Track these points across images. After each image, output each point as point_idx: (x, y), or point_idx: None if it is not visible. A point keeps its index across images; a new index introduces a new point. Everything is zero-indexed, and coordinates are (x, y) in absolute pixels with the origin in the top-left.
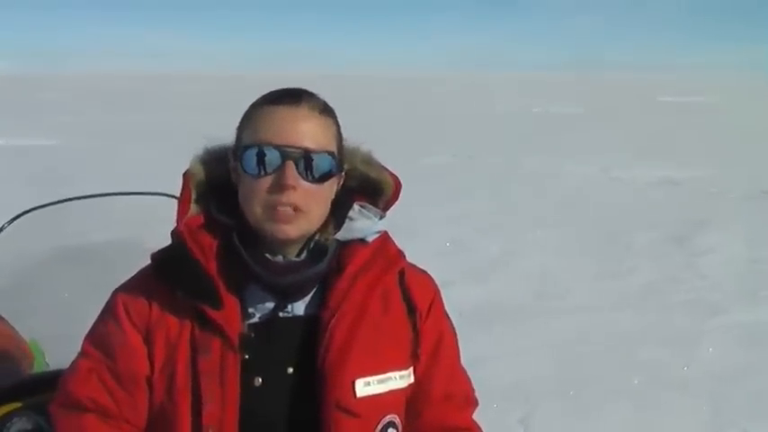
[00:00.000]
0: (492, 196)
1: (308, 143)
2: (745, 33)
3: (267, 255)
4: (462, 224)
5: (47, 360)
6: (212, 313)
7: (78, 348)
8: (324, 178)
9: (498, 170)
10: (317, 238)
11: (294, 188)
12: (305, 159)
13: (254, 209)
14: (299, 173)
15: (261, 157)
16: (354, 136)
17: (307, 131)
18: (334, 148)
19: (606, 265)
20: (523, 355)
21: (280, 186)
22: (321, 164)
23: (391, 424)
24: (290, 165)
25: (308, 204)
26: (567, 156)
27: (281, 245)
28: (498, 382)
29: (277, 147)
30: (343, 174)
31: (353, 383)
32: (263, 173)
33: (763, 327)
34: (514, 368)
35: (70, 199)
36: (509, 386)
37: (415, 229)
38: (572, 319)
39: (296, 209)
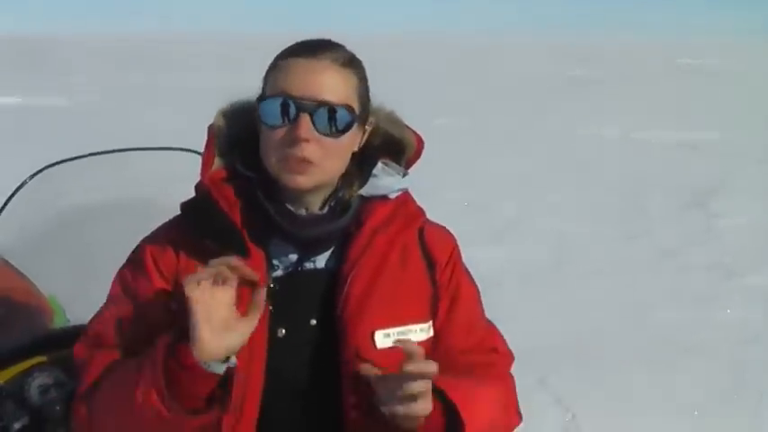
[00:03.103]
0: (508, 158)
1: (325, 95)
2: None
3: (290, 207)
4: (478, 186)
5: (67, 316)
6: None
7: (97, 303)
8: (340, 132)
9: (515, 132)
10: (340, 194)
11: (308, 141)
12: (320, 112)
13: (270, 159)
14: (315, 125)
15: (277, 108)
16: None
17: (324, 84)
18: (353, 102)
19: (624, 228)
20: (540, 317)
21: (293, 138)
22: (337, 117)
23: None
24: (305, 117)
25: (321, 157)
26: (585, 118)
27: (300, 197)
28: (515, 344)
29: (292, 98)
30: (367, 128)
31: (373, 335)
32: (278, 124)
33: None
34: (531, 330)
35: (93, 154)
36: (526, 348)
37: (431, 189)
38: (589, 282)
39: (309, 162)
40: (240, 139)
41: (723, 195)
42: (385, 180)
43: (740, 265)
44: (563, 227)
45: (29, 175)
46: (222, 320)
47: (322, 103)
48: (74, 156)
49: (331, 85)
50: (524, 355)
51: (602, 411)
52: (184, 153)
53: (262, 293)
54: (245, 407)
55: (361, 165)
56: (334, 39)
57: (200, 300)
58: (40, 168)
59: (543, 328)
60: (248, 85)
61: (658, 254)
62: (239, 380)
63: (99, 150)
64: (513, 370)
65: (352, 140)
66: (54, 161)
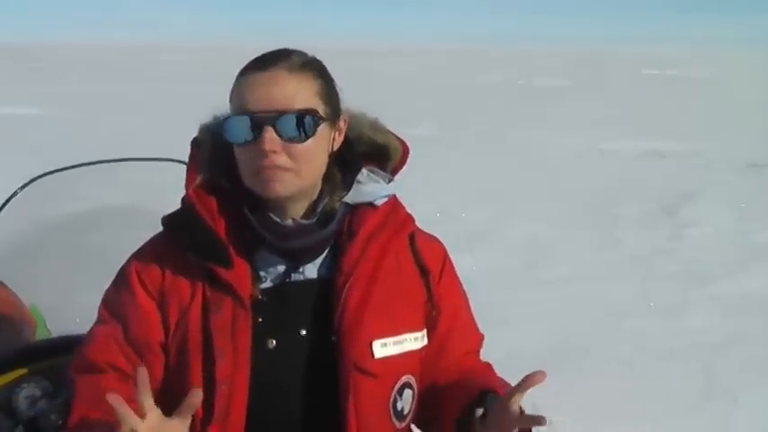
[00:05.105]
0: (479, 168)
1: (284, 104)
2: (727, 6)
3: (276, 218)
4: (450, 195)
5: (48, 326)
6: (222, 273)
7: (78, 315)
8: (306, 136)
9: (485, 142)
10: (325, 201)
11: (274, 152)
12: (282, 121)
13: (245, 176)
14: (279, 135)
15: (239, 126)
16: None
17: (279, 93)
18: (314, 104)
19: (594, 236)
20: (513, 325)
21: (259, 153)
22: (299, 122)
23: (407, 384)
24: (267, 129)
25: (293, 163)
26: (554, 128)
27: (283, 206)
28: (488, 352)
29: (251, 114)
30: (341, 125)
31: (371, 345)
32: (244, 141)
33: (750, 297)
34: (504, 338)
35: (79, 165)
36: (500, 355)
37: (402, 198)
38: (560, 290)
39: (282, 169)
40: (224, 151)
41: (692, 204)
42: (370, 186)
43: (710, 273)
44: (534, 235)
45: (19, 186)
46: None
47: (282, 112)
48: (61, 167)
49: (287, 92)
50: (498, 363)
51: (578, 417)
52: (169, 163)
53: (197, 396)
54: (230, 419)
55: (345, 172)
56: (308, 48)
57: None
58: (30, 179)
59: (516, 336)
60: (226, 96)
61: (629, 262)
62: (222, 392)
63: (81, 162)
64: None
65: (323, 142)
66: (41, 172)
